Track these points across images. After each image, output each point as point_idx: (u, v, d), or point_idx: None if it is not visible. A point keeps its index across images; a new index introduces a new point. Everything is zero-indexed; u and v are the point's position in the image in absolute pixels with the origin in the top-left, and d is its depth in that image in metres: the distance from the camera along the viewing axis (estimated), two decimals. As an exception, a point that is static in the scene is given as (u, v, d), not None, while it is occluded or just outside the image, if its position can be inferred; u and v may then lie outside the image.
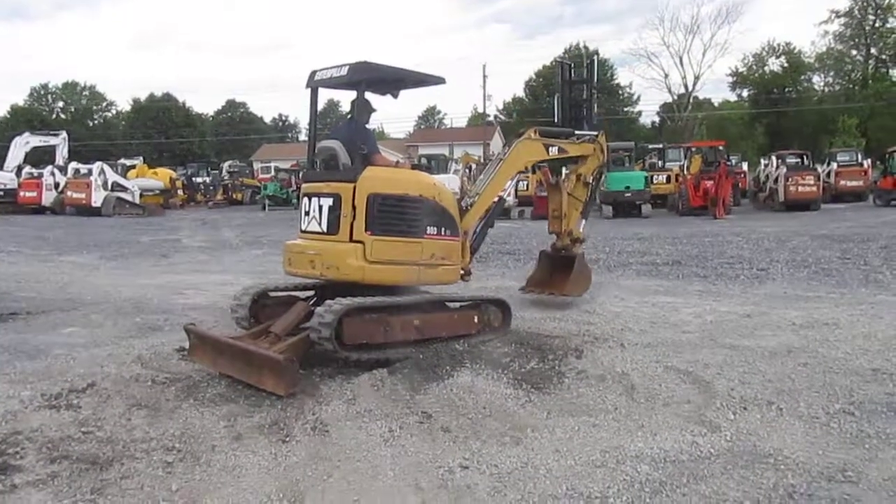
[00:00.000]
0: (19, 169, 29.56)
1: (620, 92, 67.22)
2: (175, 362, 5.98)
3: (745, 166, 38.02)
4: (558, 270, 8.58)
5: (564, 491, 3.85)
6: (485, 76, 59.62)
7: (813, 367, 5.73)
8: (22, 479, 3.89)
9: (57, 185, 28.16)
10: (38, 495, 3.73)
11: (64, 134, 33.38)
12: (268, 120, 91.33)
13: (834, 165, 30.02)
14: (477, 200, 6.88)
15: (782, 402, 5.01)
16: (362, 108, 6.20)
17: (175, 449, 4.32)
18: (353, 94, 6.24)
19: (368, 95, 6.32)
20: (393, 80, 6.47)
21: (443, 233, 6.16)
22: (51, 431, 4.50)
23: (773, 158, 29.01)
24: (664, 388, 5.37)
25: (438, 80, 6.60)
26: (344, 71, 5.97)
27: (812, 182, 24.71)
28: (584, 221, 8.64)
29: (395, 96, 6.59)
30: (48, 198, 27.89)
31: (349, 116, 6.45)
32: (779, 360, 5.92)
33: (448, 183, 6.69)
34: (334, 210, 5.86)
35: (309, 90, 6.42)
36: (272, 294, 6.58)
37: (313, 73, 6.27)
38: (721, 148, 28.84)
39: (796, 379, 5.46)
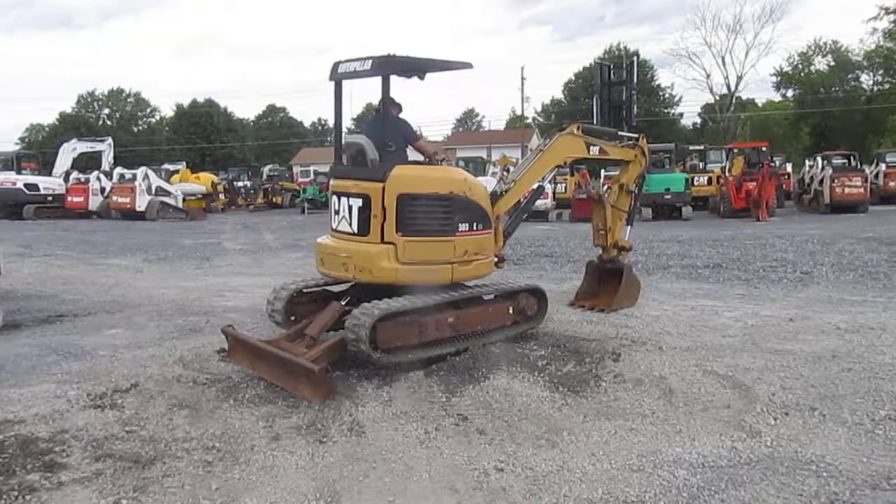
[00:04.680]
0: (67, 174, 30.25)
1: (661, 93, 66.30)
2: (215, 363, 6.08)
3: (789, 167, 37.22)
4: (606, 282, 8.55)
5: (600, 495, 3.83)
6: (523, 78, 59.54)
7: (858, 372, 5.61)
8: (68, 476, 4.00)
9: (103, 190, 28.71)
10: (83, 493, 3.84)
11: (110, 140, 33.98)
12: (307, 124, 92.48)
13: (882, 166, 29.16)
14: (512, 187, 6.89)
15: (825, 408, 4.92)
16: (390, 103, 6.15)
17: (215, 448, 4.40)
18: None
19: (398, 88, 6.22)
20: (418, 69, 6.27)
21: (475, 228, 6.13)
22: (96, 430, 4.62)
23: (819, 159, 28.37)
24: (703, 392, 5.31)
25: (465, 65, 6.42)
26: (367, 65, 5.91)
27: (859, 183, 24.10)
28: (629, 229, 8.59)
29: (422, 78, 6.30)
30: (94, 202, 28.46)
31: (377, 111, 6.43)
32: (822, 365, 5.80)
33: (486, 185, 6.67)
34: (364, 211, 5.87)
35: (333, 83, 6.33)
36: (307, 291, 6.64)
37: (336, 65, 6.21)
38: (764, 149, 28.29)
39: (840, 384, 5.35)
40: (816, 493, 3.76)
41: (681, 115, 69.53)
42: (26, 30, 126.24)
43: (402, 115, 6.54)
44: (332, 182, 6.62)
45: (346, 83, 6.37)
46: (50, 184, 28.88)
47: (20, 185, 27.80)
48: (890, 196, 27.85)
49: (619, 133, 8.27)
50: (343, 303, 6.21)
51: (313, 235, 7.27)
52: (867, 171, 27.51)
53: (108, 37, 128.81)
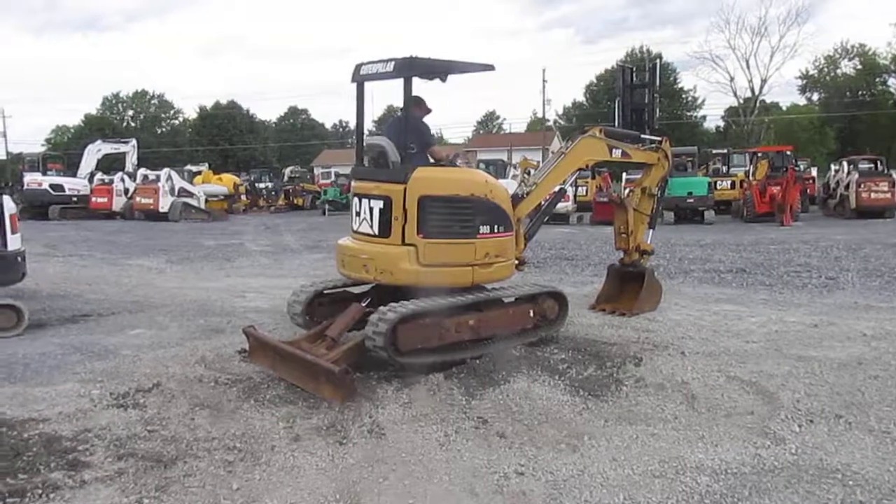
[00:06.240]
0: (91, 175, 30.59)
1: (684, 96, 65.91)
2: (237, 364, 6.12)
3: (814, 172, 36.81)
4: (627, 285, 8.50)
5: (621, 501, 3.80)
6: (544, 81, 59.79)
7: (885, 379, 5.52)
8: (91, 475, 4.03)
9: (126, 191, 28.97)
10: (105, 491, 3.87)
11: (133, 141, 34.26)
12: (328, 126, 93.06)
13: (911, 171, 28.78)
14: (534, 190, 6.87)
15: (851, 416, 4.85)
16: (412, 104, 6.14)
17: (236, 448, 4.42)
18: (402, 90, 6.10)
19: (420, 91, 6.24)
20: (441, 71, 6.25)
21: (496, 230, 6.10)
22: (118, 429, 4.66)
23: (844, 164, 27.98)
24: (726, 398, 5.25)
25: (487, 67, 6.38)
26: (390, 67, 5.90)
27: (886, 188, 23.75)
28: (651, 232, 8.53)
29: (444, 80, 6.30)
30: (118, 203, 28.73)
31: (400, 112, 6.43)
32: (848, 372, 5.72)
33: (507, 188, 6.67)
34: (385, 213, 5.87)
35: (355, 85, 6.34)
36: (327, 292, 6.66)
37: (358, 66, 6.21)
38: (789, 153, 27.99)
39: (867, 392, 5.27)
40: (842, 502, 3.70)
41: (704, 118, 69.10)
42: (54, 32, 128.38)
43: (425, 119, 6.54)
44: (353, 184, 6.64)
45: (367, 85, 6.39)
46: (75, 185, 29.19)
47: (46, 185, 28.20)
48: (917, 201, 27.38)
49: (643, 136, 8.22)
50: (364, 304, 6.21)
51: (334, 237, 7.30)
52: (894, 175, 27.07)
53: (132, 39, 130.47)
